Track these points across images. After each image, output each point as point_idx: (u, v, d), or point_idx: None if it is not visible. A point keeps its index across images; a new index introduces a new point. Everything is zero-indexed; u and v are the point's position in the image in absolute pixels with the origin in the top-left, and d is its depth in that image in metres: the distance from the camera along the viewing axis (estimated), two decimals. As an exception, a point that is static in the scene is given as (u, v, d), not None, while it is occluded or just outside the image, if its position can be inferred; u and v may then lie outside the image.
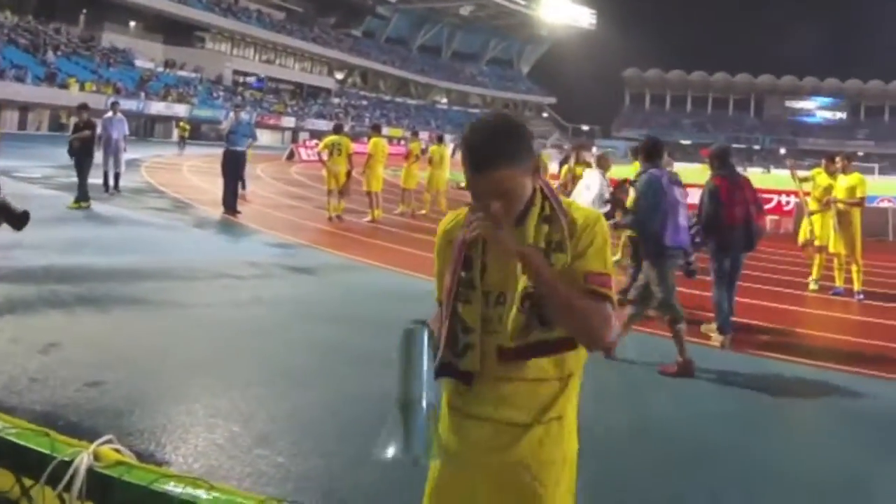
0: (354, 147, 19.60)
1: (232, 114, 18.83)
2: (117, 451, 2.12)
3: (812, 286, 13.25)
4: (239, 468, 4.84)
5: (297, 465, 4.98)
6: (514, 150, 2.33)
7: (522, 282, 2.36)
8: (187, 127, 52.01)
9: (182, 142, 48.97)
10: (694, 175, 20.56)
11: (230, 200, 17.75)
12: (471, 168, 2.34)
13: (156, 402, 5.86)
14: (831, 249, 12.83)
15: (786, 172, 15.01)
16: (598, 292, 2.36)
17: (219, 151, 18.47)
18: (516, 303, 2.37)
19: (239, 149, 17.88)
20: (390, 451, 2.09)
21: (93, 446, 2.09)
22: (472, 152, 2.34)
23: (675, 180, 8.19)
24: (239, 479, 4.68)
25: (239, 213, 17.61)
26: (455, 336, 2.46)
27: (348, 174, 18.53)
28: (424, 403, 2.16)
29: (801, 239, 13.74)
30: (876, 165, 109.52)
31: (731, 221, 8.83)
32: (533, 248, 2.37)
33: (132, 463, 2.11)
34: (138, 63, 70.94)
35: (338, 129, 19.83)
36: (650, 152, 8.39)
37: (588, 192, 10.96)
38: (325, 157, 18.63)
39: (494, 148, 2.32)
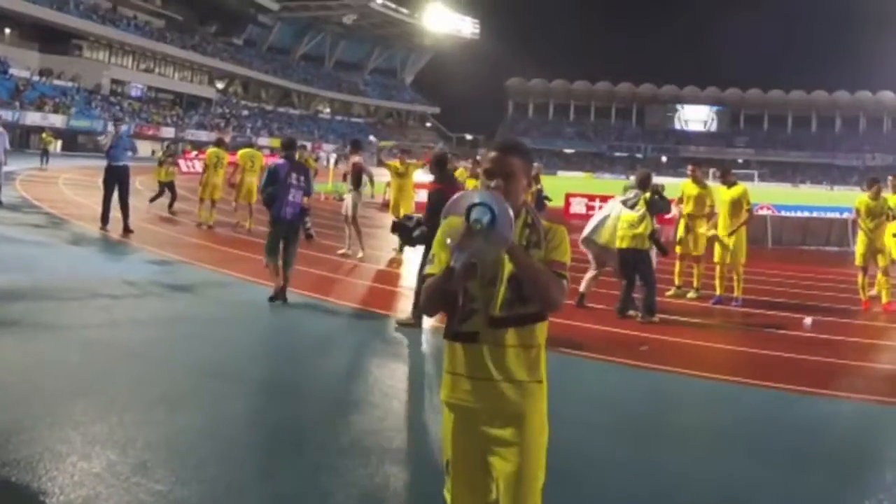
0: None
1: (112, 127, 18.59)
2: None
3: (691, 294, 13.57)
4: (117, 497, 4.75)
5: (177, 492, 4.91)
6: (523, 153, 3.46)
7: (509, 267, 3.27)
8: (51, 138, 46.48)
9: (45, 154, 41.67)
10: (577, 185, 20.93)
11: (107, 215, 17.32)
12: (497, 150, 3.43)
13: (31, 430, 5.71)
14: (716, 259, 13.25)
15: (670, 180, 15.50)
16: (558, 273, 3.34)
17: (95, 164, 18.08)
18: (504, 282, 3.30)
19: (121, 164, 17.43)
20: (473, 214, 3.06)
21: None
22: (501, 142, 3.51)
23: (299, 167, 11.47)
24: (117, 509, 4.59)
25: (131, 231, 17.05)
26: (461, 306, 3.35)
27: (232, 185, 19.51)
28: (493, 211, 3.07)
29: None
30: (755, 172, 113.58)
31: None
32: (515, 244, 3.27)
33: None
34: (13, 72, 68.58)
35: (219, 143, 20.68)
36: (285, 146, 11.94)
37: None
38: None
39: (514, 144, 3.51)
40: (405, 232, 10.83)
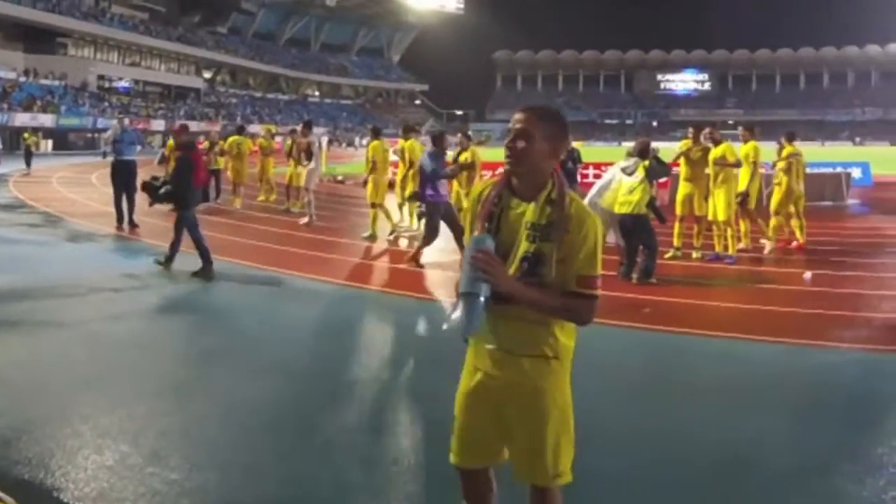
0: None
1: (116, 122, 18.52)
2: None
3: (695, 255, 13.59)
4: (131, 488, 4.76)
5: (192, 480, 4.92)
6: (548, 117, 3.18)
7: (524, 246, 3.09)
8: (35, 138, 45.37)
9: (28, 156, 38.04)
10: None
11: (121, 213, 16.98)
12: (520, 111, 3.18)
13: (41, 426, 5.73)
14: (710, 217, 13.40)
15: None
16: (586, 294, 3.12)
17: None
18: (516, 262, 3.09)
19: (126, 158, 17.12)
20: (455, 328, 2.93)
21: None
22: (528, 104, 3.31)
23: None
24: (133, 499, 4.62)
25: (136, 226, 16.88)
26: None
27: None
28: (482, 297, 2.92)
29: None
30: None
31: (197, 185, 12.06)
32: (517, 285, 3.04)
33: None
34: (-1, 73, 68.27)
35: (240, 131, 24.09)
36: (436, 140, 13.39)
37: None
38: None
39: (540, 106, 3.26)
40: (152, 190, 12.19)
